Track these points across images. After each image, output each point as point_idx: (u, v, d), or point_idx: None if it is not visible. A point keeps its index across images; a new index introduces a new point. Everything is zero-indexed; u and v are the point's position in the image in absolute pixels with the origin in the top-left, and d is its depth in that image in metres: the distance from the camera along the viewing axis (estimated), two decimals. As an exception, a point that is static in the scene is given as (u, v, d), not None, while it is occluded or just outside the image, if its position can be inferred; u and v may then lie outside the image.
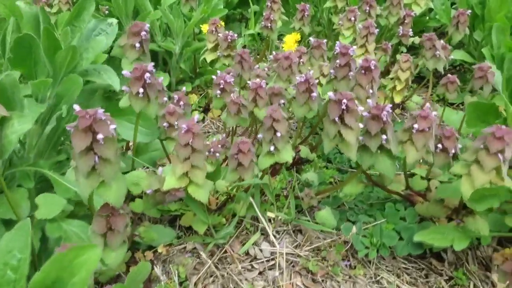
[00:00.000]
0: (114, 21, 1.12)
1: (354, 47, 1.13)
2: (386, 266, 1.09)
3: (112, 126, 0.72)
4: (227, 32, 1.43)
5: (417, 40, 1.77)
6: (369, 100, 0.91)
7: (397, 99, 1.55)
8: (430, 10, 2.06)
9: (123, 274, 1.06)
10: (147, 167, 1.39)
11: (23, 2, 1.05)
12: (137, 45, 1.05)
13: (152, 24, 1.81)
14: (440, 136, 0.94)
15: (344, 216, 1.20)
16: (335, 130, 0.89)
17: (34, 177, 1.01)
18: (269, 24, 1.68)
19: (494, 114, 1.08)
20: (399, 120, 1.71)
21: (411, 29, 1.69)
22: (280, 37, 2.17)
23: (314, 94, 1.06)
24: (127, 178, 0.98)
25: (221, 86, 1.17)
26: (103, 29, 1.12)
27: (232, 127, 1.32)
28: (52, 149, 1.04)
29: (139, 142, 1.16)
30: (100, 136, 0.69)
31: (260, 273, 1.09)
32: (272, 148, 0.96)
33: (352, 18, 1.54)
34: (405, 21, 1.70)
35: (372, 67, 1.03)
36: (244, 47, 2.23)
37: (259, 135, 0.99)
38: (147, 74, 0.91)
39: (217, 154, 1.17)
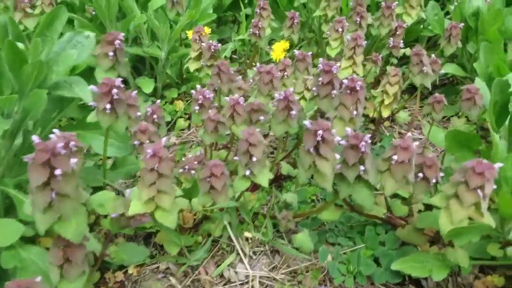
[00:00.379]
0: (91, 34, 1.08)
1: (338, 64, 1.09)
2: (364, 293, 1.06)
3: (73, 160, 0.68)
4: (210, 41, 1.38)
5: (408, 51, 1.74)
6: (347, 129, 0.87)
7: (385, 113, 1.51)
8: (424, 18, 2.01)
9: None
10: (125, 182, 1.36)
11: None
12: (111, 54, 1.01)
13: (139, 28, 1.76)
14: (422, 164, 0.91)
15: (323, 237, 1.16)
16: (310, 160, 0.85)
17: (1, 195, 0.97)
18: (257, 32, 1.64)
19: (476, 140, 1.05)
20: (388, 134, 1.68)
21: (402, 41, 1.64)
22: (272, 41, 2.13)
23: (294, 112, 1.02)
24: (94, 199, 0.95)
25: (200, 102, 1.13)
26: (79, 41, 1.08)
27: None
28: (20, 165, 1.00)
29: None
30: (58, 172, 0.65)
31: (233, 297, 1.06)
32: (248, 172, 0.93)
33: (340, 29, 1.49)
34: (397, 33, 1.66)
35: (358, 88, 0.99)
36: (235, 52, 2.19)
37: (235, 157, 0.95)
38: (115, 90, 0.87)
39: (193, 172, 1.13)
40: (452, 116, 1.76)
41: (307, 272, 1.09)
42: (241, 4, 2.14)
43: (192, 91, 1.15)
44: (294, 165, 1.33)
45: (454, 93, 1.86)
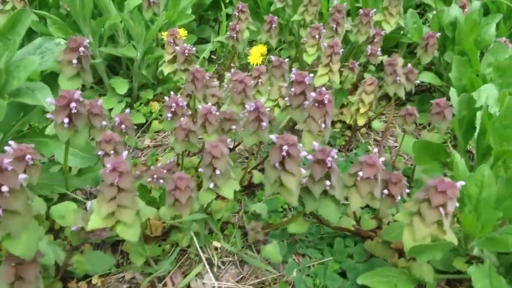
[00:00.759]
0: (61, 41, 1.05)
1: (311, 75, 1.08)
2: (331, 305, 1.06)
3: (22, 176, 0.65)
4: (185, 45, 1.36)
5: (386, 58, 1.73)
6: (314, 143, 0.87)
7: (361, 122, 1.51)
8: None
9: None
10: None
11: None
12: (75, 61, 0.96)
13: (116, 27, 1.72)
14: (387, 181, 0.91)
15: (293, 248, 1.16)
16: (276, 175, 0.84)
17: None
18: (235, 35, 1.61)
19: (444, 152, 1.05)
20: (363, 141, 1.68)
21: (379, 48, 1.64)
22: (253, 43, 2.11)
23: (264, 124, 1.01)
24: (55, 209, 0.92)
25: (173, 110, 1.11)
26: (48, 47, 1.05)
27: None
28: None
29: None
30: (5, 189, 0.62)
31: (199, 309, 1.05)
32: (211, 185, 0.91)
33: (317, 36, 1.48)
34: (375, 40, 1.66)
35: (326, 101, 0.98)
36: (214, 52, 2.17)
37: (200, 169, 0.94)
38: (73, 104, 0.84)
39: (161, 181, 1.11)
40: (429, 124, 1.77)
41: (274, 284, 1.08)
42: (222, 4, 2.11)
43: (166, 98, 1.13)
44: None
45: (428, 99, 1.88)
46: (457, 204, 0.82)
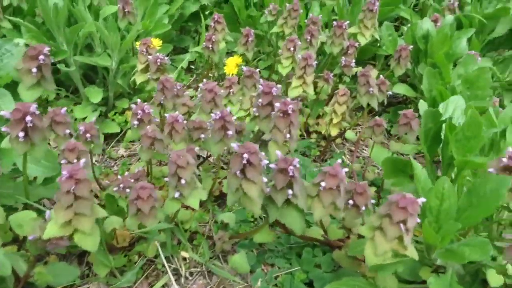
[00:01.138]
0: (20, 41, 1.03)
1: (279, 85, 1.09)
2: (298, 316, 1.05)
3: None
4: (158, 54, 1.35)
5: (360, 70, 1.76)
6: (277, 152, 0.87)
7: (334, 132, 1.52)
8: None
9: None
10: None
11: None
12: (34, 70, 0.94)
13: (92, 36, 1.72)
14: (352, 191, 0.91)
15: (262, 258, 1.15)
16: (237, 183, 0.84)
17: None
18: (210, 46, 1.62)
19: (410, 165, 1.06)
20: (338, 151, 1.69)
21: (354, 60, 1.66)
22: (232, 53, 2.12)
23: (230, 132, 1.01)
24: (13, 219, 0.90)
25: (139, 117, 1.10)
26: (8, 49, 1.03)
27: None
28: None
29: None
30: None
31: (163, 321, 1.03)
32: (177, 194, 0.90)
33: (292, 49, 1.49)
34: (349, 52, 1.68)
35: (290, 111, 0.99)
36: (193, 62, 2.17)
37: (165, 179, 0.93)
38: (28, 118, 0.82)
39: (128, 190, 1.10)
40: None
41: (241, 294, 1.07)
42: (201, 16, 2.13)
43: (132, 105, 1.12)
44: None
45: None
46: (418, 220, 0.83)
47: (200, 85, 1.30)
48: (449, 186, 0.86)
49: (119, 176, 1.11)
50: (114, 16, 1.72)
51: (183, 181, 0.88)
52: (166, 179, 0.93)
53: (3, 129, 0.84)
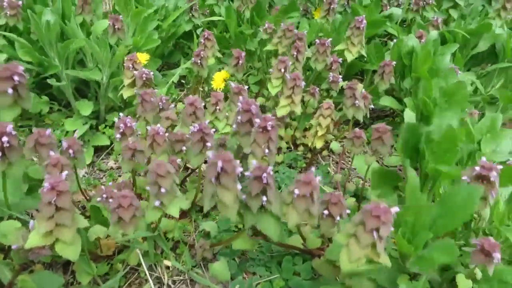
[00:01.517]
0: (1, 57, 1.06)
1: (258, 103, 1.12)
2: (278, 324, 1.06)
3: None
4: (143, 69, 1.40)
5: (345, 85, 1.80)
6: (253, 161, 0.90)
7: (319, 144, 1.55)
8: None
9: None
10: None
11: None
12: (10, 91, 0.94)
13: (84, 51, 1.77)
14: (327, 201, 0.94)
15: (243, 266, 1.17)
16: (212, 190, 0.87)
17: None
18: (199, 61, 1.67)
19: (396, 177, 1.09)
20: (324, 163, 1.72)
21: (341, 76, 1.71)
22: (223, 68, 2.16)
23: (209, 144, 1.04)
24: (-3, 228, 0.93)
25: (121, 130, 1.13)
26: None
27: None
28: None
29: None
30: None
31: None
32: (157, 203, 0.93)
33: (282, 70, 1.53)
34: (333, 67, 1.72)
35: (269, 128, 1.02)
36: (185, 77, 2.22)
37: (147, 187, 0.96)
38: (5, 138, 0.85)
39: (111, 201, 1.12)
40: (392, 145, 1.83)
41: (222, 302, 1.08)
42: (194, 34, 2.18)
43: (115, 119, 1.16)
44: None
45: (393, 124, 1.94)
46: (392, 229, 0.86)
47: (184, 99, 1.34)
48: (424, 201, 0.89)
49: (102, 187, 1.13)
50: (106, 32, 1.77)
51: (163, 190, 0.91)
52: (147, 187, 0.96)
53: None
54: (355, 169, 1.69)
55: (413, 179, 0.94)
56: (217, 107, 1.33)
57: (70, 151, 1.07)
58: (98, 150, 1.73)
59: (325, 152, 1.78)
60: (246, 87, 1.40)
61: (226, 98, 1.56)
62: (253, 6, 2.05)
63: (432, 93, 1.60)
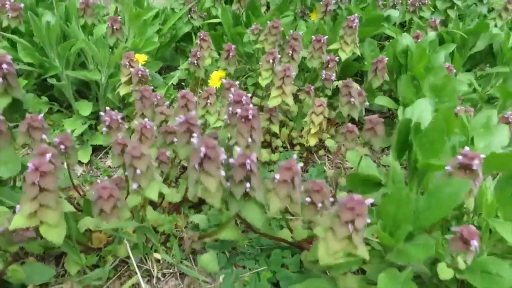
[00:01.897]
0: None
1: (249, 94, 1.14)
2: (265, 316, 1.06)
3: None
4: (139, 67, 1.42)
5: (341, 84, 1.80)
6: (237, 148, 0.91)
7: (312, 142, 1.56)
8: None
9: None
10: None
11: None
12: None
13: (85, 53, 1.81)
14: (310, 189, 0.94)
15: (233, 260, 1.17)
16: (196, 176, 0.88)
17: None
18: (195, 61, 1.69)
19: (375, 178, 1.08)
20: (320, 162, 1.72)
21: (334, 74, 1.72)
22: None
23: (195, 135, 1.05)
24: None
25: (107, 124, 1.15)
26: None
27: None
28: None
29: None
30: None
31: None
32: (135, 186, 0.94)
33: (271, 61, 1.55)
34: (329, 66, 1.73)
35: (250, 117, 1.03)
36: (185, 80, 2.25)
37: (126, 173, 0.97)
38: None
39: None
40: (388, 147, 1.82)
41: (210, 294, 1.09)
42: (193, 36, 2.21)
43: (101, 113, 1.18)
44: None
45: (389, 125, 1.93)
46: (369, 220, 0.86)
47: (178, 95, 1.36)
48: (406, 194, 0.88)
49: (98, 181, 1.15)
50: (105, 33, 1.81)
51: (138, 171, 0.91)
52: (126, 173, 0.97)
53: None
54: (351, 168, 1.69)
55: (395, 169, 0.94)
56: (209, 101, 1.34)
57: (62, 146, 1.09)
58: (96, 149, 1.75)
59: (321, 152, 1.78)
60: (245, 88, 1.42)
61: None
62: (248, 6, 2.07)
63: (423, 89, 1.61)
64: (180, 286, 1.13)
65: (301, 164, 0.90)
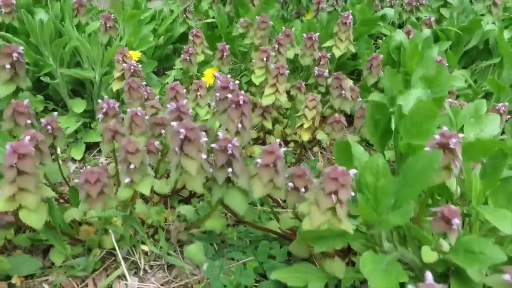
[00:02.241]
0: None
1: (237, 82, 1.13)
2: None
3: None
4: (132, 62, 1.43)
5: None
6: (219, 133, 0.90)
7: (305, 137, 1.55)
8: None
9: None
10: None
11: None
12: (8, 66, 1.02)
13: (79, 52, 1.82)
14: (293, 175, 0.93)
15: (222, 253, 1.16)
16: (177, 159, 0.87)
17: None
18: (188, 57, 1.70)
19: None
20: (313, 158, 1.71)
21: (326, 70, 1.71)
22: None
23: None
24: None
25: (104, 110, 1.15)
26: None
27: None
28: None
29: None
30: None
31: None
32: (127, 180, 0.93)
33: (264, 59, 1.55)
34: (321, 62, 1.73)
35: (241, 102, 1.03)
36: (180, 80, 2.25)
37: (119, 166, 0.97)
38: None
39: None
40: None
41: (197, 284, 1.07)
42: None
43: (99, 100, 1.18)
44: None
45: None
46: (353, 193, 0.85)
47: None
48: (383, 163, 0.87)
49: (82, 170, 1.15)
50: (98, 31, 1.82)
51: (132, 166, 0.92)
52: (119, 166, 0.97)
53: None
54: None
55: (357, 148, 0.92)
56: (198, 93, 1.34)
57: (49, 127, 1.10)
58: (90, 147, 1.75)
59: (316, 149, 1.77)
60: (239, 85, 1.42)
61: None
62: (236, 2, 2.08)
63: (412, 81, 1.59)
64: (167, 278, 1.12)
65: (284, 149, 0.89)
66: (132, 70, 1.42)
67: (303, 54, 1.70)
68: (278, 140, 0.92)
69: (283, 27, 1.75)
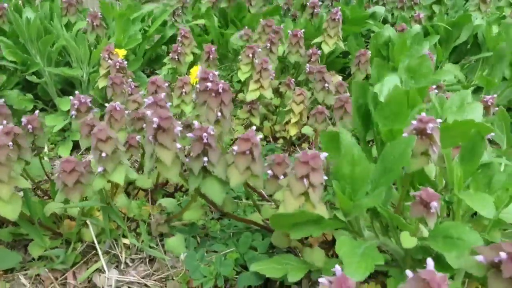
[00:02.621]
0: None
1: (217, 72, 1.13)
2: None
3: None
4: (118, 59, 1.43)
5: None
6: (195, 122, 0.90)
7: (292, 132, 1.54)
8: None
9: None
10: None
11: None
12: None
13: (68, 51, 1.82)
14: (272, 162, 0.92)
15: (204, 245, 1.15)
16: (151, 149, 0.86)
17: None
18: (176, 56, 1.70)
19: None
20: (302, 155, 1.70)
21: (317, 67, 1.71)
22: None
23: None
24: None
25: (76, 107, 1.15)
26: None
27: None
28: None
29: None
30: None
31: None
32: (100, 169, 0.93)
33: (250, 55, 1.54)
34: (312, 59, 1.73)
35: (220, 90, 1.02)
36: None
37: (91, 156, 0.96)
38: None
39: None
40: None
41: (177, 276, 1.06)
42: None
43: (70, 97, 1.17)
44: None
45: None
46: (325, 177, 0.84)
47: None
48: (359, 152, 0.86)
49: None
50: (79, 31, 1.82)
51: (103, 155, 0.91)
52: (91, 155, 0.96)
53: None
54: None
55: (346, 134, 0.91)
56: (183, 90, 1.34)
57: (29, 126, 1.09)
58: (78, 145, 1.74)
59: (305, 145, 1.77)
60: (230, 85, 1.42)
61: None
62: (233, 7, 2.09)
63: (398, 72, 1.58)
64: (148, 271, 1.11)
65: (260, 136, 0.88)
66: (117, 67, 1.42)
67: (289, 52, 1.70)
68: (254, 127, 0.91)
69: (273, 25, 1.75)
